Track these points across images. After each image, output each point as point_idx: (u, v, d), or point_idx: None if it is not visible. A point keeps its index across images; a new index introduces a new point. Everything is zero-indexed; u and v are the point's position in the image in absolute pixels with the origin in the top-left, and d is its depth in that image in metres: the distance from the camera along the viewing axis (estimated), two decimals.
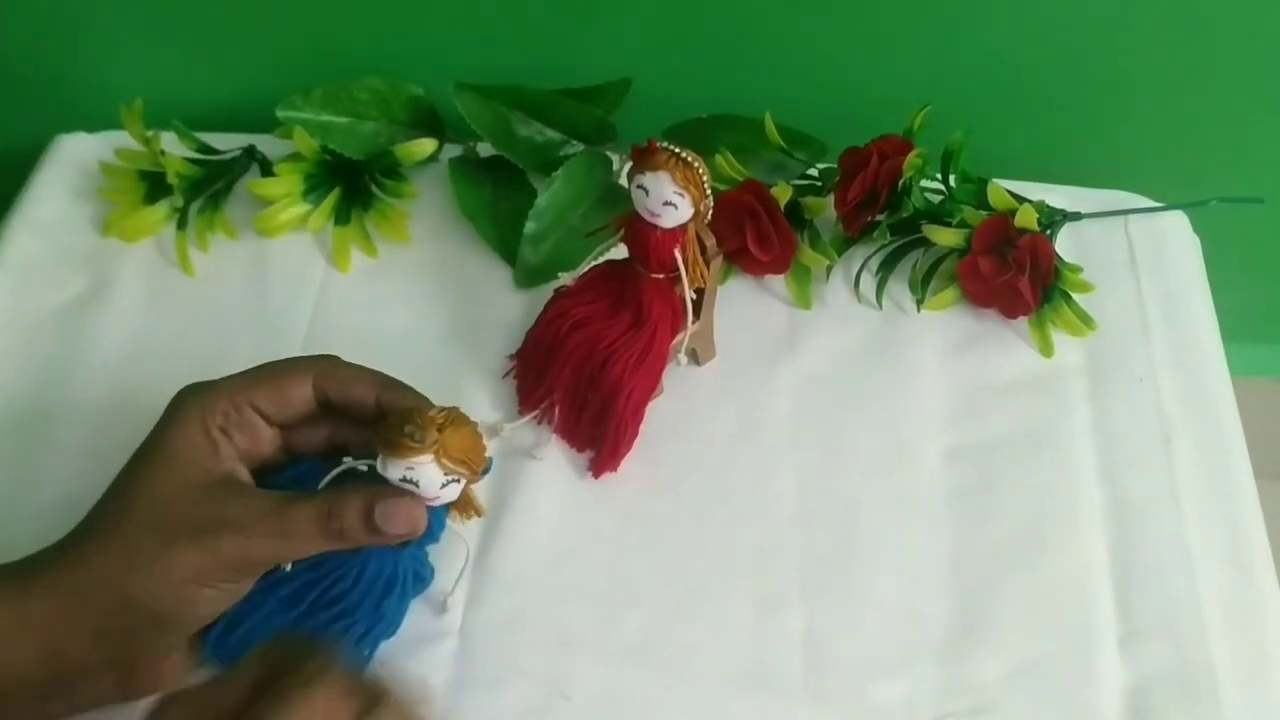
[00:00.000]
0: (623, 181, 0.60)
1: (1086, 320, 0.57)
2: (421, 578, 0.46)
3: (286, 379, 0.43)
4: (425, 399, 0.44)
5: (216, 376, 0.44)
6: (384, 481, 0.41)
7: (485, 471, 0.43)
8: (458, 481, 0.42)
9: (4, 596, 0.39)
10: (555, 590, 0.49)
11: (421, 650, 0.46)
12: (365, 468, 0.42)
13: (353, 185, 0.60)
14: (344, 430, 0.45)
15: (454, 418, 0.41)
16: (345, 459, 0.43)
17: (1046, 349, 0.57)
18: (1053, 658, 0.47)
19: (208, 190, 0.60)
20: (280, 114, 0.59)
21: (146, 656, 0.42)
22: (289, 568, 0.43)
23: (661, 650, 0.47)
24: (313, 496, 0.41)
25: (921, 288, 0.58)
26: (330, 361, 0.44)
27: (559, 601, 0.48)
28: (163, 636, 0.41)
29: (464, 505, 0.45)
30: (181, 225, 0.59)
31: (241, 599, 0.42)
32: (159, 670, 0.43)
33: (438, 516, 0.43)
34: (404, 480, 0.41)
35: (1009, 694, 0.46)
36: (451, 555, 0.47)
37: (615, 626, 0.48)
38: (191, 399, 0.42)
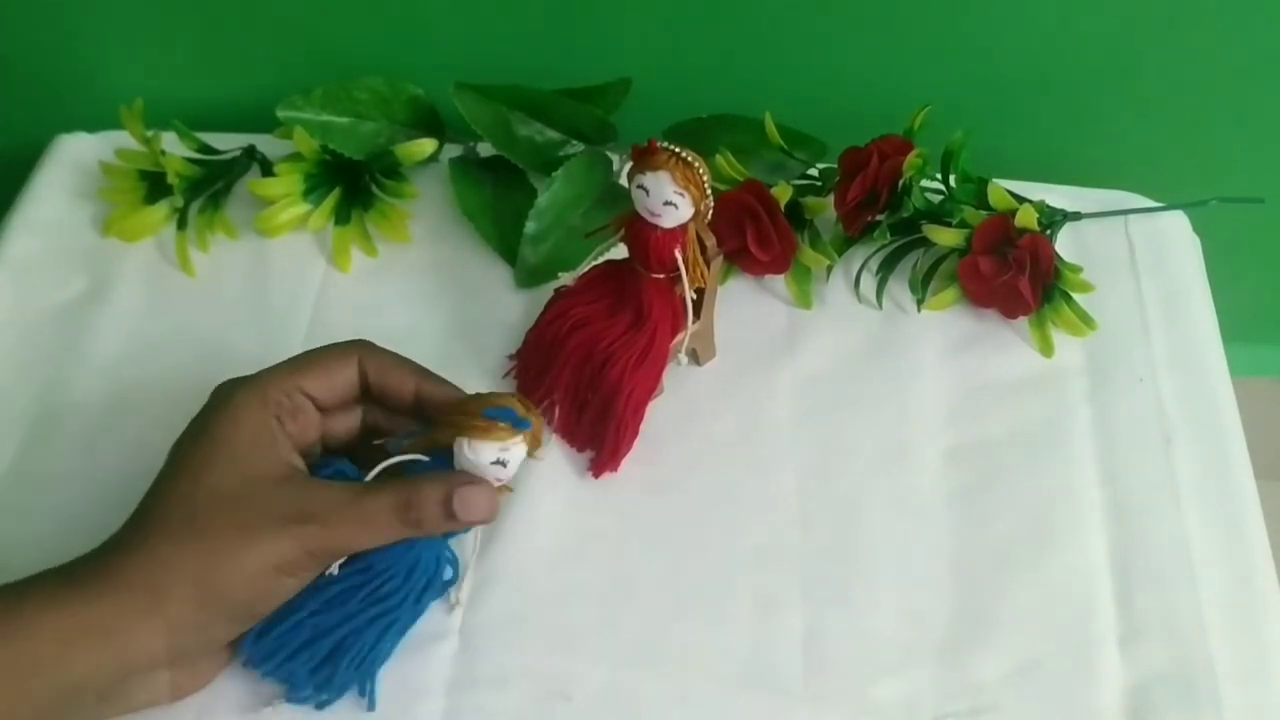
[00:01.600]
0: (623, 181, 0.60)
1: (1086, 320, 0.57)
2: (449, 576, 0.46)
3: (333, 362, 0.44)
4: (460, 390, 0.45)
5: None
6: (430, 468, 0.43)
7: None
8: (526, 458, 0.43)
9: (67, 600, 0.39)
10: (555, 590, 0.49)
11: (421, 650, 0.46)
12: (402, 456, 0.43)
13: (353, 185, 0.60)
14: (374, 413, 0.46)
15: (528, 403, 0.43)
16: (388, 446, 0.44)
17: (1046, 349, 0.57)
18: (1053, 658, 0.47)
19: (208, 190, 0.60)
20: (280, 114, 0.59)
21: (208, 655, 0.42)
22: (335, 571, 0.43)
23: (661, 650, 0.47)
24: (388, 486, 0.42)
25: (921, 288, 0.58)
26: (368, 345, 0.46)
27: (559, 601, 0.48)
28: (236, 628, 0.42)
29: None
30: (181, 225, 0.59)
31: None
32: (212, 669, 0.43)
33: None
34: (496, 463, 0.42)
35: (1009, 694, 0.46)
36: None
37: (615, 626, 0.48)
38: (244, 390, 0.43)
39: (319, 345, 0.46)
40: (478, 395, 0.44)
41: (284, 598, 0.42)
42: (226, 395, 0.43)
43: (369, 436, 0.46)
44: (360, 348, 0.45)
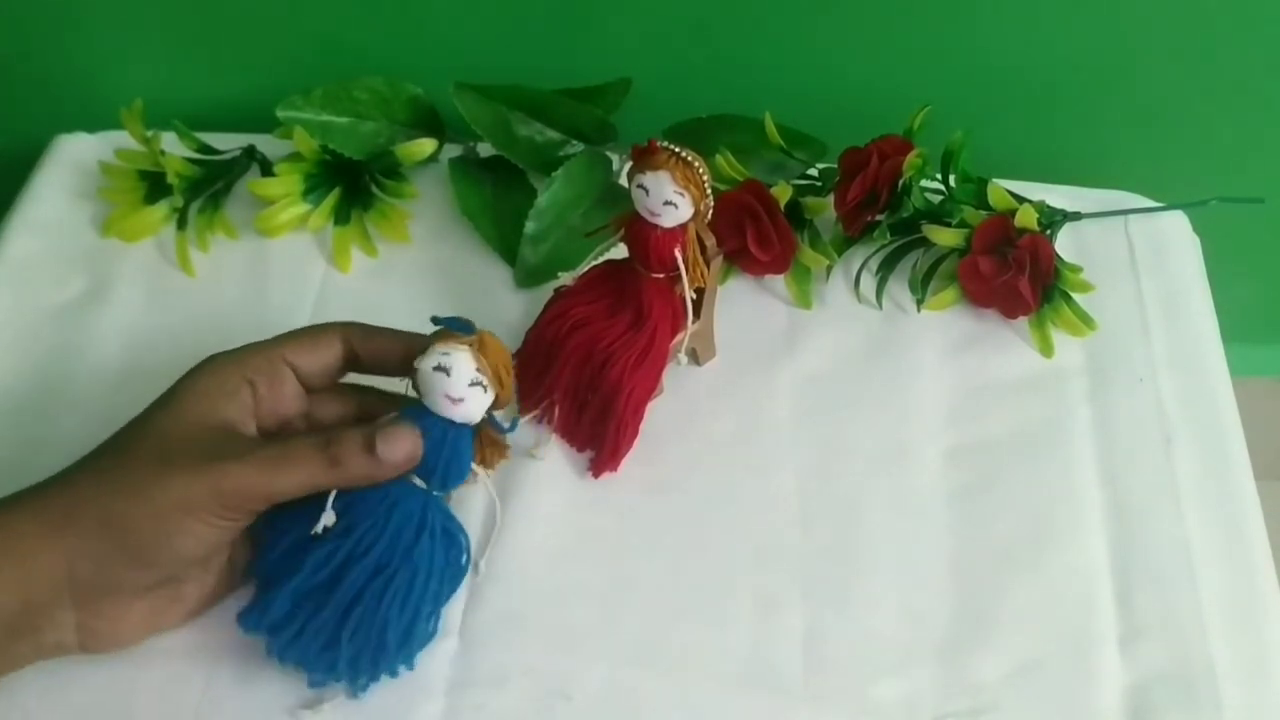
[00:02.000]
0: (623, 181, 0.60)
1: (1086, 320, 0.57)
2: (450, 532, 0.45)
3: (319, 334, 0.45)
4: None
5: None
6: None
7: (512, 427, 0.45)
8: (484, 389, 0.42)
9: None
10: (555, 590, 0.49)
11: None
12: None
13: (353, 185, 0.60)
14: (371, 402, 0.46)
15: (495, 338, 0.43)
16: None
17: (1046, 349, 0.57)
18: (1053, 658, 0.47)
19: (208, 190, 0.60)
20: (280, 114, 0.59)
21: (111, 600, 0.41)
22: (321, 529, 0.42)
23: (661, 650, 0.47)
24: (313, 432, 0.43)
25: (921, 288, 0.58)
26: (357, 323, 0.46)
27: (559, 601, 0.48)
28: (133, 572, 0.41)
29: (489, 451, 0.46)
30: (181, 225, 0.59)
31: (273, 567, 0.43)
32: (121, 622, 0.42)
33: (463, 453, 0.44)
34: (436, 368, 0.41)
35: (1009, 694, 0.46)
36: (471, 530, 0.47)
37: (615, 626, 0.48)
38: (221, 356, 0.43)
39: None
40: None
41: (190, 545, 0.41)
42: (202, 361, 0.44)
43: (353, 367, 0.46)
44: (348, 323, 0.45)
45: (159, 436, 0.41)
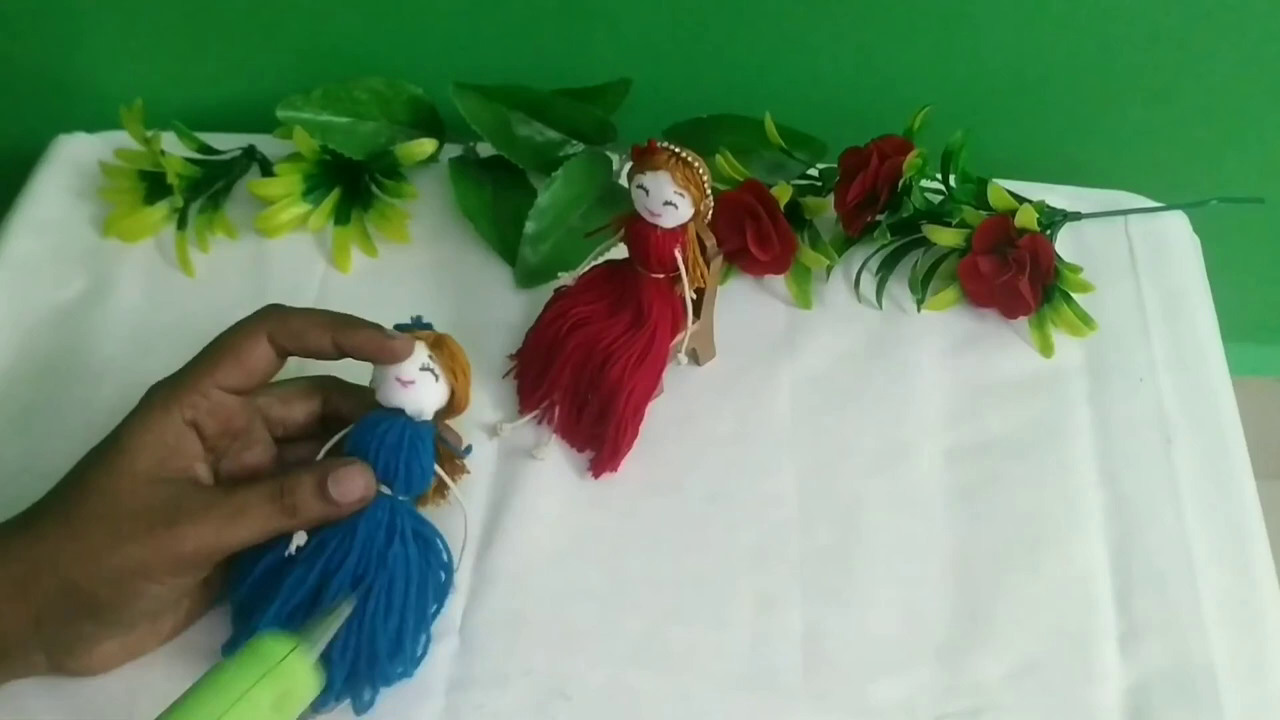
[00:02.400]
0: (623, 181, 0.60)
1: (1086, 320, 0.57)
2: (423, 535, 0.45)
3: (244, 347, 0.43)
4: (381, 327, 0.44)
5: None
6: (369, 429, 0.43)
7: (466, 451, 0.46)
8: (434, 377, 0.43)
9: None
10: (555, 590, 0.49)
11: None
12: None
13: (353, 185, 0.60)
14: (336, 400, 0.46)
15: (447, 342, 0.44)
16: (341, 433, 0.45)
17: (1046, 349, 0.57)
18: (1053, 658, 0.47)
19: (208, 190, 0.60)
20: (280, 114, 0.59)
21: (82, 644, 0.42)
22: (294, 550, 0.42)
23: (661, 650, 0.47)
24: (264, 478, 0.42)
25: (921, 288, 0.58)
26: (278, 313, 0.44)
27: (559, 601, 0.48)
28: (101, 628, 0.42)
29: (447, 466, 0.46)
30: (181, 225, 0.59)
31: (248, 595, 0.43)
32: (93, 657, 0.43)
33: (423, 453, 0.44)
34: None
35: (1009, 694, 0.46)
36: (452, 535, 0.47)
37: (615, 626, 0.48)
38: (161, 394, 0.43)
39: None
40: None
41: (155, 603, 0.41)
42: (146, 398, 0.43)
43: (335, 424, 0.46)
44: (270, 321, 0.43)
45: (109, 496, 0.41)
